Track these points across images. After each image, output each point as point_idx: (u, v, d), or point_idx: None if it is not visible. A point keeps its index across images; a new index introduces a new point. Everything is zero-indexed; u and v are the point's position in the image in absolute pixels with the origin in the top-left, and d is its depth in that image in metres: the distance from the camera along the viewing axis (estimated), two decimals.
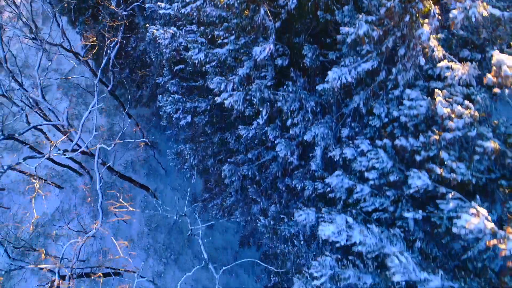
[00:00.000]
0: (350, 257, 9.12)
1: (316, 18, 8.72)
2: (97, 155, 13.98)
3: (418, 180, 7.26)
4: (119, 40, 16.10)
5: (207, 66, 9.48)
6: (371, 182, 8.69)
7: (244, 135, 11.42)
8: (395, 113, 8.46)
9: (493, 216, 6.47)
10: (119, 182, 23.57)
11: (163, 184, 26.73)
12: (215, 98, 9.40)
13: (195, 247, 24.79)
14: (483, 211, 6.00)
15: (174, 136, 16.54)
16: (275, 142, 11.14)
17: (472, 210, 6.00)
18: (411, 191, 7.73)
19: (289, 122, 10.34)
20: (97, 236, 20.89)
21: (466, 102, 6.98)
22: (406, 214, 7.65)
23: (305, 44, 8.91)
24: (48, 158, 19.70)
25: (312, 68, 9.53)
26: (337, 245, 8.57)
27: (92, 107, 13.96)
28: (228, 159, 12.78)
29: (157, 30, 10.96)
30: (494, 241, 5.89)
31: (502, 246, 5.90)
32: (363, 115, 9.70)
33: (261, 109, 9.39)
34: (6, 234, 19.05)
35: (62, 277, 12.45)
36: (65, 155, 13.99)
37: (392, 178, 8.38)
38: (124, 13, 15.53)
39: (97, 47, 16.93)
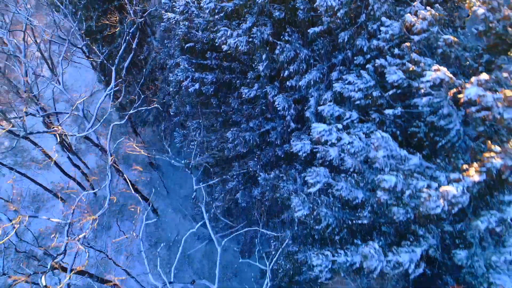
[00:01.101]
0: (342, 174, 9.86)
1: None
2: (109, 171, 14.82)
3: (394, 75, 8.46)
4: (133, 47, 18.30)
5: (216, 17, 11.25)
6: (358, 102, 9.82)
7: (246, 95, 12.80)
8: (375, 42, 9.95)
9: None
10: (123, 198, 24.33)
11: (165, 204, 27.29)
12: (222, 46, 10.98)
13: (195, 264, 24.65)
14: (444, 69, 7.15)
15: (180, 122, 17.48)
16: (275, 99, 12.47)
17: (435, 67, 7.15)
18: (390, 92, 8.88)
19: (286, 73, 11.80)
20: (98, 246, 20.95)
21: (429, 8, 8.52)
22: (386, 111, 8.67)
23: None
24: (57, 165, 20.83)
25: (304, 22, 11.28)
26: (329, 157, 9.41)
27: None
28: (232, 129, 13.97)
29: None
30: (454, 90, 6.94)
31: (460, 96, 6.95)
32: (351, 61, 11.17)
33: (261, 54, 10.91)
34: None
35: None
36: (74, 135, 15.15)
37: (375, 94, 9.55)
38: (139, 20, 17.97)
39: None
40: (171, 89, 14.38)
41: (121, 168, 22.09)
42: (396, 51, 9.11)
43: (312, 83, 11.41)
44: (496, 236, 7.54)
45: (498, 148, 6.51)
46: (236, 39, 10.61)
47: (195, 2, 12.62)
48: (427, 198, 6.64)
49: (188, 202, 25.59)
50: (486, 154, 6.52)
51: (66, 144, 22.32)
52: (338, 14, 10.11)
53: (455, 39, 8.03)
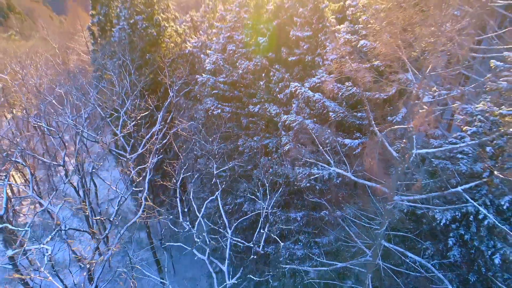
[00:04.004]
0: None
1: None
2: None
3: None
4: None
5: (235, 56, 18.88)
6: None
7: (252, 109, 19.33)
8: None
9: None
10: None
11: (170, 281, 30.38)
12: (239, 69, 18.30)
13: None
14: None
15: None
16: (270, 108, 18.87)
17: None
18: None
19: (277, 90, 18.57)
20: None
21: None
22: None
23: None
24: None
25: (286, 59, 18.74)
26: None
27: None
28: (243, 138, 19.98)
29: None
30: None
31: None
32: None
33: (262, 74, 18.07)
34: None
35: None
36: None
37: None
38: (176, 99, 26.04)
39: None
40: (201, 114, 21.09)
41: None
42: None
43: (288, 95, 18.00)
44: None
45: None
46: (248, 63, 17.92)
47: (221, 60, 20.61)
48: None
49: (194, 285, 27.91)
50: None
51: None
52: (304, 48, 17.57)
53: None
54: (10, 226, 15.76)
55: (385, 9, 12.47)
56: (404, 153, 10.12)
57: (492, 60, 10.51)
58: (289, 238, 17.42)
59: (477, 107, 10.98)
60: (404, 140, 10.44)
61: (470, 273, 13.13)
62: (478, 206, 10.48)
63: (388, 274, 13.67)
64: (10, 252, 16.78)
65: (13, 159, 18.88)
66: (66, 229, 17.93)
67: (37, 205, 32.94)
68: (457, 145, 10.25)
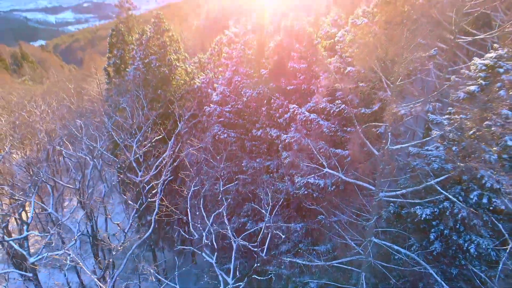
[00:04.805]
0: None
1: None
2: None
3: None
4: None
5: (240, 86, 21.51)
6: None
7: (255, 133, 21.62)
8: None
9: None
10: None
11: None
12: (243, 97, 20.86)
13: None
14: None
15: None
16: (271, 132, 21.19)
17: None
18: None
19: (277, 115, 20.98)
20: None
21: None
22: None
23: None
24: None
25: (286, 88, 21.39)
26: None
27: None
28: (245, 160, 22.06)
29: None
30: None
31: None
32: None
33: (263, 101, 20.62)
34: None
35: None
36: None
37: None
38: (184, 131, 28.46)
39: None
40: (209, 139, 23.32)
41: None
42: None
43: (288, 120, 20.42)
44: None
45: None
46: (252, 92, 20.53)
47: (227, 91, 23.28)
48: None
49: None
50: None
51: None
52: (301, 78, 20.28)
53: None
54: (36, 233, 17.30)
55: (367, 42, 15.26)
56: (383, 151, 12.26)
57: (452, 76, 13.01)
58: (289, 250, 18.91)
59: (443, 115, 13.30)
60: (383, 141, 12.63)
61: (451, 267, 14.68)
62: (451, 197, 12.42)
63: (380, 270, 15.17)
64: (32, 259, 18.17)
65: (40, 178, 20.76)
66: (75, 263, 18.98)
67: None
68: (420, 141, 12.43)
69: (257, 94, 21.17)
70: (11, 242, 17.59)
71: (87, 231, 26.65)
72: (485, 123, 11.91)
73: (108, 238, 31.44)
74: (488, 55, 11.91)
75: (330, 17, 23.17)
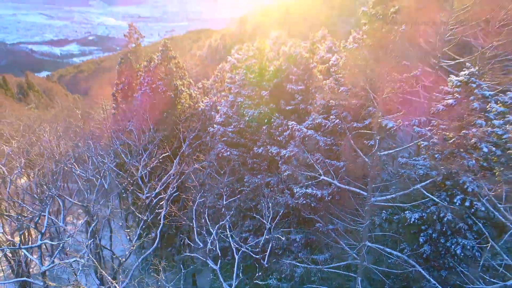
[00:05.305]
0: None
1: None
2: None
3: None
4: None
5: (243, 107, 23.17)
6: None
7: (256, 150, 23.05)
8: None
9: None
10: None
11: None
12: (245, 116, 22.50)
13: None
14: None
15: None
16: (271, 150, 22.63)
17: None
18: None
19: (277, 133, 22.50)
20: None
21: None
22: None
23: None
24: None
25: (285, 109, 23.02)
26: None
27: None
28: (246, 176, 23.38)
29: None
30: None
31: None
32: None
33: (264, 120, 22.23)
34: None
35: None
36: None
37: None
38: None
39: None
40: (212, 157, 24.69)
41: None
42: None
43: (287, 138, 21.92)
44: None
45: None
46: (254, 111, 22.18)
47: (230, 111, 24.92)
48: None
49: None
50: None
51: None
52: (299, 99, 21.98)
53: None
54: (49, 242, 18.30)
55: (357, 64, 17.05)
56: (373, 157, 13.65)
57: (434, 93, 14.62)
58: (289, 256, 19.84)
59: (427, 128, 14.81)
60: (374, 150, 14.05)
61: (441, 270, 15.67)
62: (435, 198, 13.68)
63: (375, 274, 16.14)
64: (44, 268, 19.02)
65: (53, 193, 21.93)
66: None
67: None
68: (407, 145, 13.86)
69: (258, 114, 22.79)
70: (24, 250, 18.54)
71: (91, 249, 27.52)
72: (462, 131, 13.39)
73: (112, 260, 32.10)
74: (462, 72, 13.59)
75: (326, 44, 25.21)
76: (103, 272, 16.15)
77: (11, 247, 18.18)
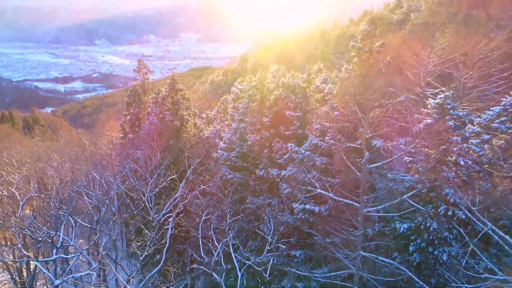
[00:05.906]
0: None
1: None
2: None
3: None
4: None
5: (246, 131, 25.01)
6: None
7: (258, 173, 24.67)
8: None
9: None
10: None
11: None
12: (248, 140, 24.35)
13: None
14: None
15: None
16: (272, 172, 24.27)
17: None
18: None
19: (277, 156, 24.23)
20: None
21: None
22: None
23: None
24: None
25: (284, 133, 24.93)
26: None
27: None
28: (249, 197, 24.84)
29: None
30: None
31: None
32: None
33: (265, 143, 24.06)
34: None
35: None
36: None
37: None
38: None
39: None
40: (217, 180, 26.23)
41: None
42: None
43: (287, 160, 23.67)
44: None
45: None
46: (256, 136, 24.04)
47: (234, 137, 26.79)
48: None
49: None
50: None
51: None
52: (297, 124, 23.93)
53: None
54: (63, 256, 19.48)
55: (348, 91, 19.13)
56: (363, 169, 15.34)
57: (421, 109, 16.59)
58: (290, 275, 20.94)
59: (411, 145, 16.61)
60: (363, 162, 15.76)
61: (431, 277, 16.85)
62: (421, 207, 15.21)
63: (372, 283, 17.30)
64: (57, 282, 20.04)
65: (65, 213, 23.31)
66: None
67: None
68: (390, 159, 15.56)
69: (260, 138, 24.67)
70: (37, 263, 19.66)
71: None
72: (441, 147, 15.18)
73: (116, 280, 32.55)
74: (439, 95, 15.60)
75: (321, 76, 27.60)
76: None
77: (27, 258, 19.28)
